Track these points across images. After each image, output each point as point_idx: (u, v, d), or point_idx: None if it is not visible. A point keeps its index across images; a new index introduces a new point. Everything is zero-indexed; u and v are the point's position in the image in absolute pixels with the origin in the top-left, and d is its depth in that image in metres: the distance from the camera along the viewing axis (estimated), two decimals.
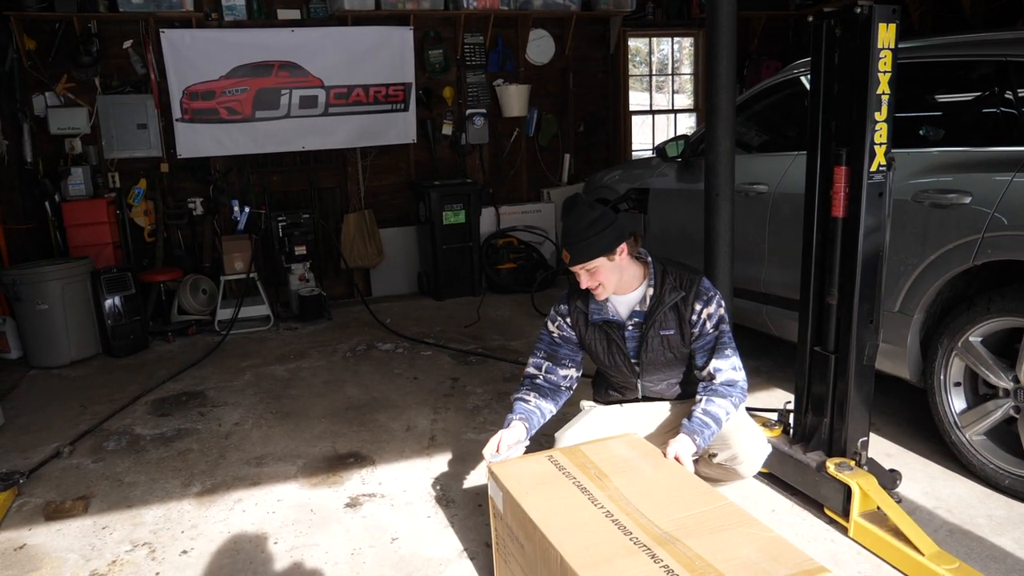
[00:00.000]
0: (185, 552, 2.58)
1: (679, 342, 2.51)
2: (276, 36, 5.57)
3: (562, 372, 2.63)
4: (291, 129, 5.73)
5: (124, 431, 3.64)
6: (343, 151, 6.15)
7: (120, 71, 5.53)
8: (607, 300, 2.52)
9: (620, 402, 2.73)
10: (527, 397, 2.59)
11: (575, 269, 2.40)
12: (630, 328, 2.53)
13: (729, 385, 2.44)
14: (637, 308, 2.52)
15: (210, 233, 5.89)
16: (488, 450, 2.40)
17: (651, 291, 2.51)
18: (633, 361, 2.56)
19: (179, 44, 5.31)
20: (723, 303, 2.51)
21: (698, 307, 2.46)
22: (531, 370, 2.66)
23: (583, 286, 2.44)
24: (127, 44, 5.48)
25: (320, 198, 6.21)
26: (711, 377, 2.47)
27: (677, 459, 2.23)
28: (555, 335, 2.64)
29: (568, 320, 2.60)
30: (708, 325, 2.47)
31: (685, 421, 2.37)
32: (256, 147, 5.69)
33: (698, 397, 2.45)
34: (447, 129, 6.46)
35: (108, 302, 4.85)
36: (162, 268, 5.62)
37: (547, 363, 2.63)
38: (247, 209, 5.79)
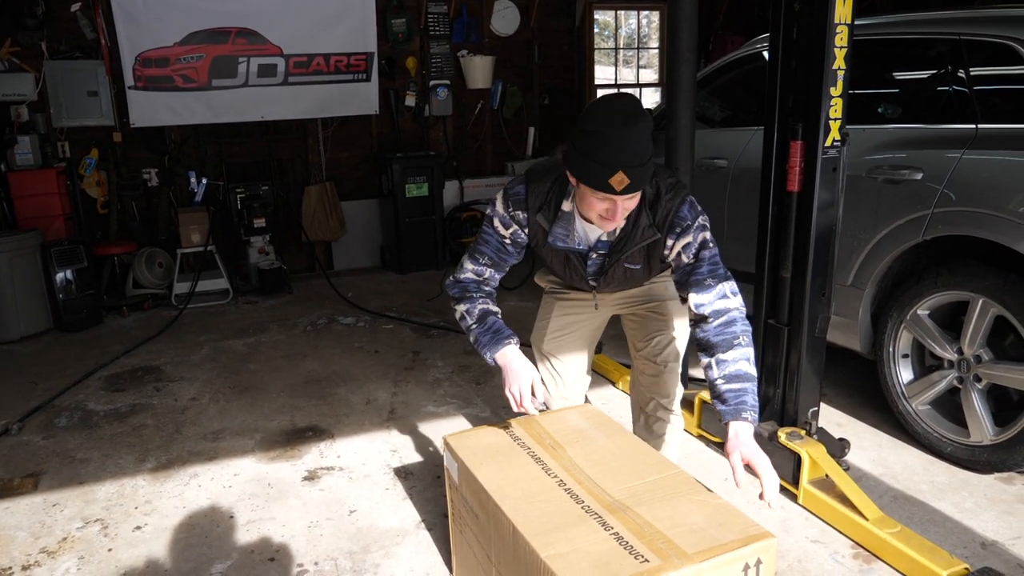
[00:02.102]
0: (139, 528, 2.55)
1: (645, 273, 2.20)
2: (234, 1, 5.41)
3: (499, 276, 2.24)
4: (249, 98, 5.60)
5: (76, 407, 3.57)
6: (304, 122, 6.04)
7: (69, 35, 5.33)
8: (575, 225, 2.07)
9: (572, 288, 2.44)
10: (493, 308, 2.18)
11: (622, 199, 1.84)
12: (593, 257, 2.15)
13: (724, 323, 1.96)
14: (604, 238, 2.10)
15: (166, 205, 5.76)
16: (527, 400, 2.08)
17: (623, 223, 2.04)
18: (592, 282, 2.25)
19: (130, 8, 5.14)
20: (705, 225, 2.02)
21: (670, 242, 2.02)
22: (472, 276, 2.19)
23: (611, 224, 1.94)
24: (75, 7, 5.28)
25: (280, 170, 6.11)
26: (700, 317, 2.00)
27: (750, 465, 1.80)
28: (506, 241, 2.16)
29: (526, 230, 2.14)
30: (683, 257, 2.02)
31: (718, 405, 1.93)
32: (213, 116, 5.56)
33: (704, 362, 1.99)
34: (410, 100, 6.37)
35: (59, 275, 4.73)
36: (116, 240, 5.49)
37: (490, 270, 2.19)
38: (204, 180, 5.66)
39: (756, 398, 1.90)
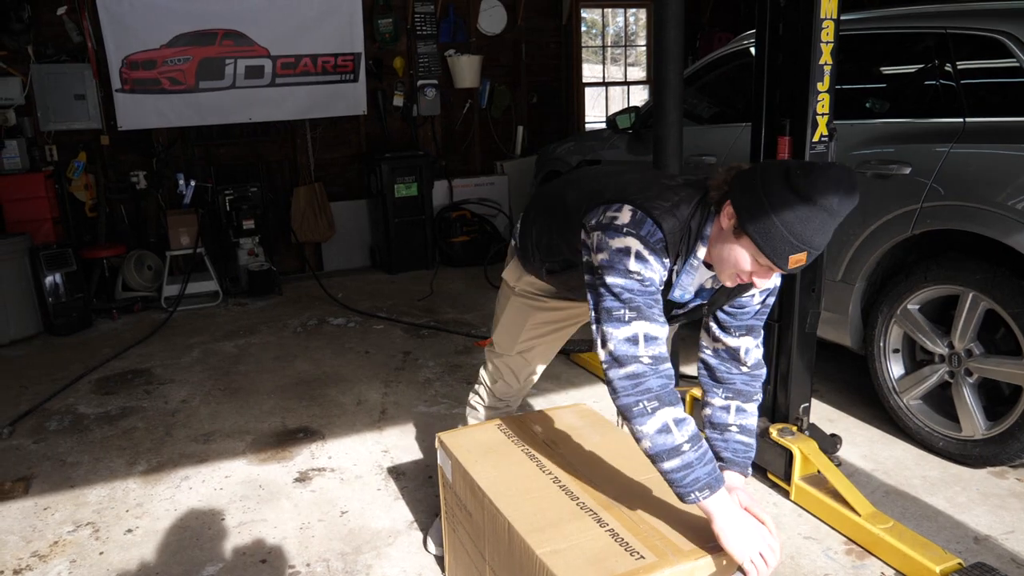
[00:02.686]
0: (130, 531, 2.53)
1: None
2: (219, 3, 5.37)
3: None
4: (237, 100, 5.57)
5: (67, 410, 3.55)
6: (292, 123, 6.01)
7: (55, 39, 5.29)
8: (698, 273, 1.69)
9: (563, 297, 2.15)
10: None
11: (783, 271, 1.50)
12: (690, 306, 1.80)
13: (755, 376, 1.81)
14: (709, 285, 1.75)
15: (154, 207, 5.73)
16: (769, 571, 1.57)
17: None
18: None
19: (116, 11, 5.10)
20: None
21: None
22: (663, 349, 1.61)
23: (749, 280, 1.57)
24: (61, 10, 5.23)
25: (269, 171, 6.08)
26: (737, 359, 1.79)
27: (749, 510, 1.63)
28: (659, 289, 1.64)
29: (663, 273, 1.64)
30: (757, 299, 1.78)
31: (723, 450, 1.78)
32: (200, 119, 5.52)
33: (719, 400, 1.81)
34: (398, 100, 6.35)
35: (48, 279, 4.69)
36: (105, 244, 5.45)
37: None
38: (193, 183, 5.63)
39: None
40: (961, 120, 2.71)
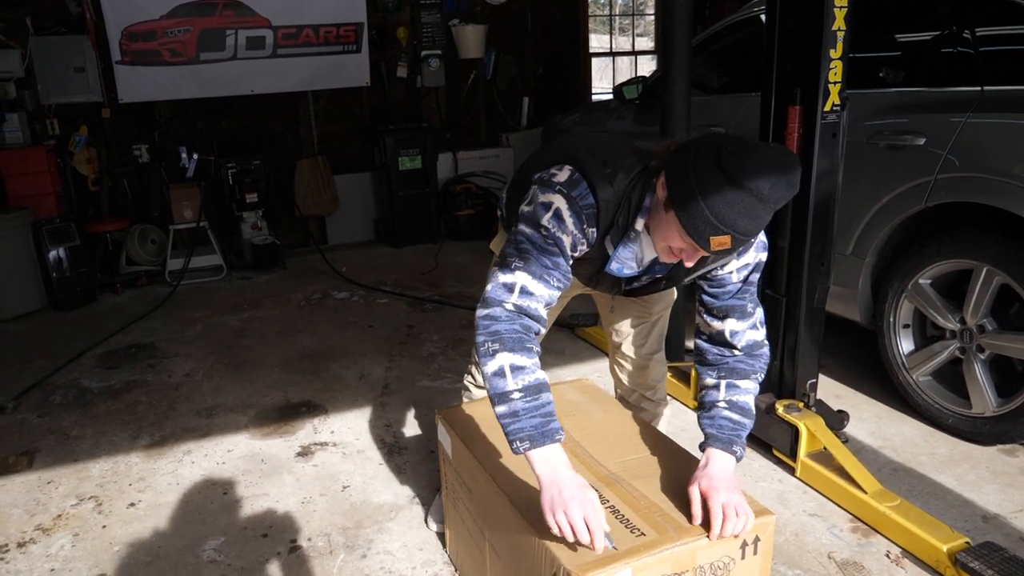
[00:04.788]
0: (133, 505, 2.53)
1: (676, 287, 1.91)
2: None
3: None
4: (238, 72, 5.49)
5: (71, 385, 3.54)
6: (294, 95, 5.94)
7: (54, 10, 5.19)
8: (642, 245, 1.64)
9: None
10: (545, 378, 1.57)
11: (706, 252, 1.45)
12: (643, 279, 1.78)
13: (750, 356, 1.76)
14: (665, 260, 1.63)
15: (157, 181, 5.68)
16: (597, 537, 1.45)
17: None
18: (623, 294, 1.91)
19: None
20: (766, 244, 1.73)
21: (732, 261, 1.69)
22: (538, 307, 1.58)
23: (680, 257, 1.53)
24: None
25: (271, 144, 6.01)
26: (726, 344, 1.76)
27: (704, 494, 1.55)
28: (567, 252, 1.60)
29: (583, 247, 1.64)
30: (733, 277, 1.71)
31: (707, 427, 1.71)
32: (202, 91, 5.45)
33: (711, 379, 1.77)
34: (402, 71, 6.26)
35: (52, 254, 4.67)
36: (108, 218, 5.41)
37: (548, 304, 1.61)
38: (195, 156, 5.58)
39: (745, 442, 1.72)
40: (979, 89, 2.63)
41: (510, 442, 1.53)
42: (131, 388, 3.48)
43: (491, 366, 1.53)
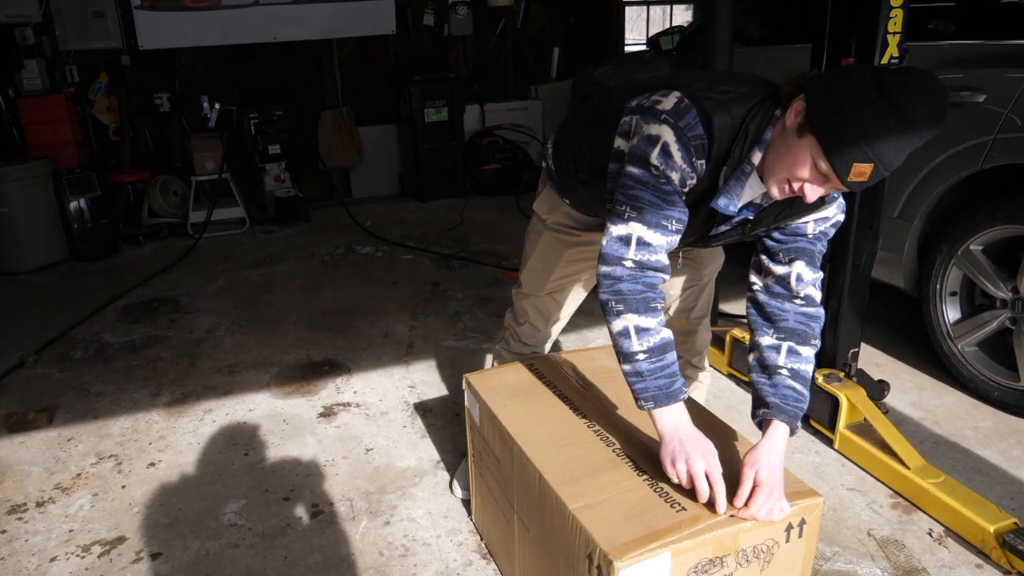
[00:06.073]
0: (153, 464, 2.50)
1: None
2: None
3: None
4: (261, 18, 5.35)
5: (92, 339, 3.52)
6: (318, 43, 5.79)
7: None
8: (748, 182, 1.50)
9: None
10: (671, 335, 1.53)
11: (842, 182, 1.32)
12: (734, 222, 1.63)
13: (810, 315, 1.62)
14: (758, 201, 1.55)
15: (179, 131, 5.60)
16: (719, 491, 1.44)
17: None
18: (699, 245, 1.81)
19: None
20: (845, 204, 1.63)
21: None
22: (662, 258, 1.50)
23: (799, 192, 1.39)
24: None
25: (295, 94, 5.89)
26: (788, 289, 1.61)
27: (760, 478, 1.44)
28: (679, 190, 1.48)
29: (692, 182, 1.50)
30: (809, 228, 1.60)
31: (770, 395, 1.57)
32: (223, 38, 5.32)
33: (768, 339, 1.61)
34: (428, 19, 6.07)
35: (73, 204, 4.63)
36: (129, 168, 5.35)
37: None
38: (217, 105, 5.49)
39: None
40: None
41: (635, 399, 1.53)
42: (152, 343, 3.44)
43: (616, 325, 1.50)
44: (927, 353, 2.94)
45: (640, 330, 1.48)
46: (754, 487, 1.44)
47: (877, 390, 2.59)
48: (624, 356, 1.51)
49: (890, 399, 2.68)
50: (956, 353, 2.77)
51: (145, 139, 5.54)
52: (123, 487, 2.37)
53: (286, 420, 2.75)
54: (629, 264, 1.48)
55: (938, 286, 2.78)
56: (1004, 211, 2.52)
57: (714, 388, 2.76)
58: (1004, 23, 2.72)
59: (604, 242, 1.51)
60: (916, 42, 2.76)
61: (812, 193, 1.39)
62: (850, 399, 2.42)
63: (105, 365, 3.24)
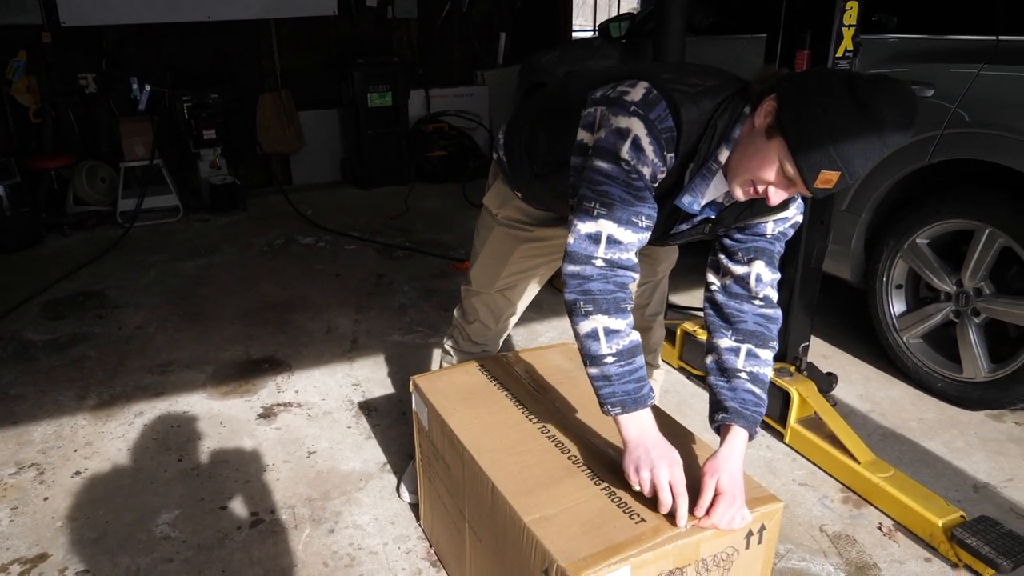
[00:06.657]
0: (78, 473, 2.34)
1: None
2: None
3: None
4: None
5: (11, 336, 3.30)
6: (256, 23, 5.55)
7: None
8: (710, 182, 1.46)
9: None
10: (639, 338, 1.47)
11: (807, 188, 1.29)
12: (695, 220, 1.57)
13: (768, 317, 1.58)
14: (720, 200, 1.52)
15: (106, 114, 5.31)
16: (680, 503, 1.39)
17: None
18: (659, 244, 1.73)
19: None
20: (803, 205, 1.61)
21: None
22: (632, 256, 1.44)
23: (763, 194, 1.36)
24: None
25: (231, 76, 5.63)
26: (747, 289, 1.57)
27: (722, 486, 1.41)
28: (649, 185, 1.43)
29: (661, 176, 1.44)
30: (770, 229, 1.57)
31: (728, 399, 1.53)
32: (153, 15, 5.05)
33: (727, 341, 1.58)
34: (371, 1, 5.89)
35: None
36: (52, 153, 5.04)
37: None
38: (148, 87, 5.22)
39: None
40: (994, 38, 2.46)
41: (601, 404, 1.46)
42: (78, 341, 3.24)
43: (584, 327, 1.43)
44: (873, 345, 2.97)
45: (609, 332, 1.41)
46: (715, 495, 1.40)
47: (826, 383, 2.60)
48: (591, 359, 1.43)
49: (838, 391, 2.69)
50: (901, 345, 2.80)
51: (69, 122, 5.23)
52: (45, 499, 2.21)
53: (223, 422, 2.61)
54: (599, 263, 1.41)
55: (884, 279, 2.81)
56: (950, 205, 2.55)
57: (665, 383, 2.73)
58: (946, 18, 2.73)
59: (571, 240, 1.43)
60: (862, 35, 2.77)
61: (776, 196, 1.36)
62: (801, 394, 2.42)
63: (26, 365, 3.03)
